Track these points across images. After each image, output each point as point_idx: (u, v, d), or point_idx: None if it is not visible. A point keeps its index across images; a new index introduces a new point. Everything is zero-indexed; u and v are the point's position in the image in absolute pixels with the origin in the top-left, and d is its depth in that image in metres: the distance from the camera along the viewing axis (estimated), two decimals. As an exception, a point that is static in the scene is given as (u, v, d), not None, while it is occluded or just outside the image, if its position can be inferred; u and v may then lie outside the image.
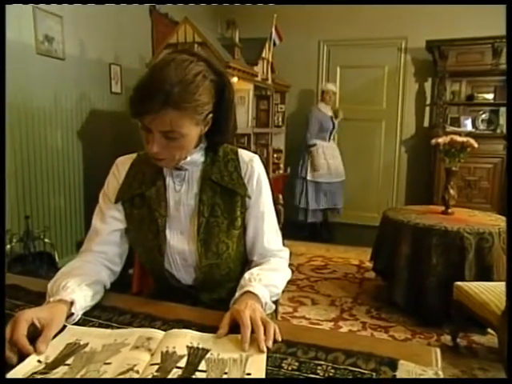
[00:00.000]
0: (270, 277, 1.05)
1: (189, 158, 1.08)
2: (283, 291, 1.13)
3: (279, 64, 4.77)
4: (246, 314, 0.86)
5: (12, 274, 1.19)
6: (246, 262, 1.21)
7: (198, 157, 1.11)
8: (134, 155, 1.19)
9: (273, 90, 4.46)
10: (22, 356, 0.78)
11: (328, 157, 4.46)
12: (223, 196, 1.12)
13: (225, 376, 0.74)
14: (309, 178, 4.43)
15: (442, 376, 0.74)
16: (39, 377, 0.74)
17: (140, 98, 0.94)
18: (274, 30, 4.13)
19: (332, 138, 4.60)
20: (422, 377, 0.73)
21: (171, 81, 0.93)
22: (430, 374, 0.74)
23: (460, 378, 2.07)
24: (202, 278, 1.15)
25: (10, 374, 0.74)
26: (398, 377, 0.73)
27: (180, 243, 1.13)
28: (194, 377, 0.74)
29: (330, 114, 4.49)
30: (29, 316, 0.83)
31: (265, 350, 0.80)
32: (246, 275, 1.04)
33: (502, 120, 4.41)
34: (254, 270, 1.06)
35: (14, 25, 2.75)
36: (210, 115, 1.04)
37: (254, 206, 1.15)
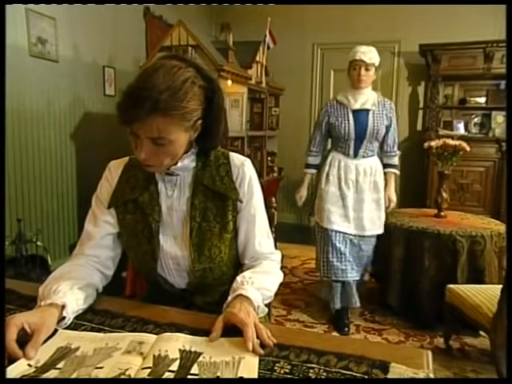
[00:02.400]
0: (262, 280, 1.05)
1: (180, 164, 1.08)
2: (276, 294, 1.13)
3: (273, 67, 4.78)
4: (241, 315, 0.87)
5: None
6: (238, 265, 1.22)
7: (188, 162, 1.10)
8: (127, 159, 1.19)
9: (267, 93, 4.47)
10: (11, 361, 0.77)
11: (347, 186, 2.57)
12: (215, 200, 1.12)
13: (217, 380, 0.74)
14: (312, 217, 2.87)
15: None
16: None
17: (128, 105, 0.93)
18: (267, 33, 4.15)
19: (363, 153, 2.63)
20: (413, 379, 0.74)
21: (159, 88, 0.92)
22: (421, 376, 0.74)
23: (452, 378, 2.08)
24: (195, 282, 1.15)
25: None
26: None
27: (173, 248, 1.13)
28: (185, 380, 0.74)
29: (357, 106, 2.53)
30: (19, 320, 0.83)
31: (262, 352, 0.81)
32: (239, 278, 1.04)
33: (494, 124, 4.44)
34: (247, 273, 1.06)
35: (7, 26, 2.73)
36: (200, 121, 1.03)
37: (245, 209, 1.15)
